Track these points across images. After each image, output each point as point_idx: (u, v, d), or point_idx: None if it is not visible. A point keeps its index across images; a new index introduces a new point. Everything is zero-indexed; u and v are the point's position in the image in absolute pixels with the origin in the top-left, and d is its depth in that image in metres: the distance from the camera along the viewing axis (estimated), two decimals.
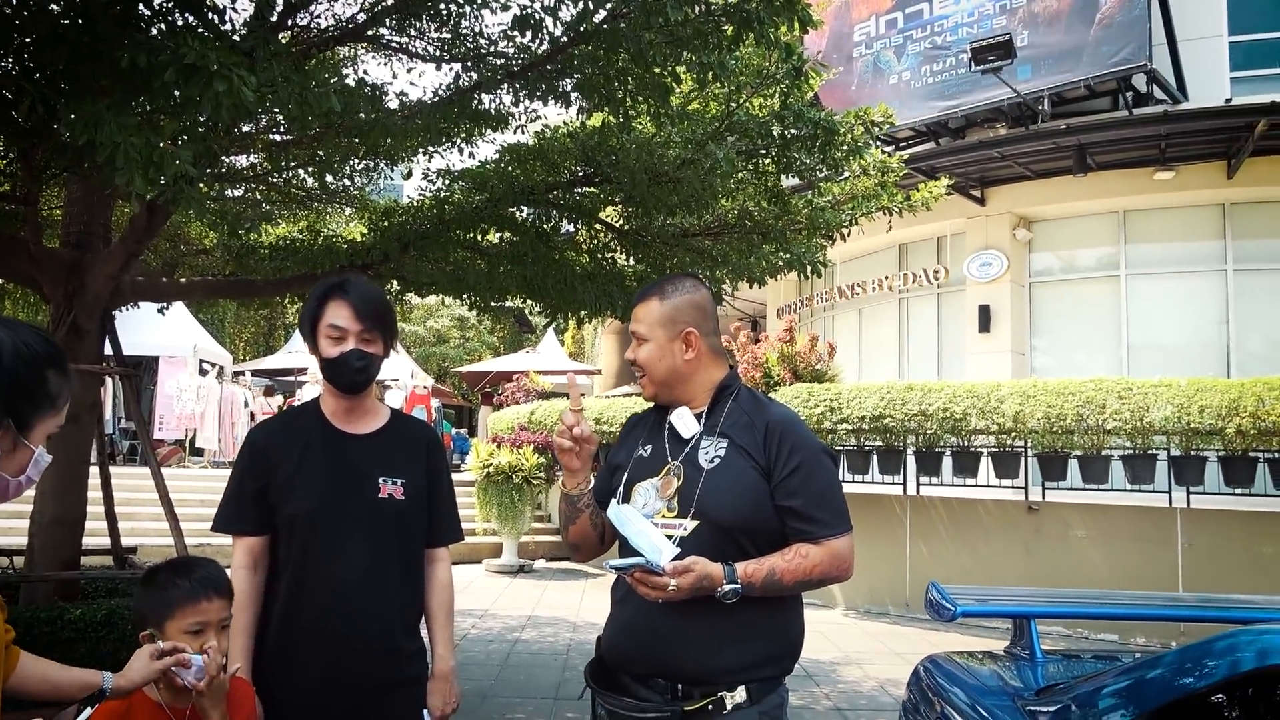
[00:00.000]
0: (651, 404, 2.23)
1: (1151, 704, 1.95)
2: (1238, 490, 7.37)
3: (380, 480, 2.23)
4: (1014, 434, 8.11)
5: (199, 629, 1.98)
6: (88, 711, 1.55)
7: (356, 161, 5.89)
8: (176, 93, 2.74)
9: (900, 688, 3.15)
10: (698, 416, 2.08)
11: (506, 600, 9.38)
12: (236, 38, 3.14)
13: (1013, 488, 8.40)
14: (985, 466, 8.41)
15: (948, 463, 8.57)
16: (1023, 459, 8.21)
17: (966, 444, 8.46)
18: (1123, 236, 11.43)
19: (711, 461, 1.99)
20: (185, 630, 1.97)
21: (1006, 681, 2.68)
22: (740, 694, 1.88)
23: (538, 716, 5.28)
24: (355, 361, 2.20)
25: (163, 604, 1.99)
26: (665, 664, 1.91)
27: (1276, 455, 7.11)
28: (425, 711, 2.27)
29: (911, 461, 8.74)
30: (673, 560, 1.82)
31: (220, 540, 9.51)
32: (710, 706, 1.87)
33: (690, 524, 1.92)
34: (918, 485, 8.76)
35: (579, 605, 9.21)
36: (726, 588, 1.82)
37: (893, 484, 8.87)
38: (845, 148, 5.46)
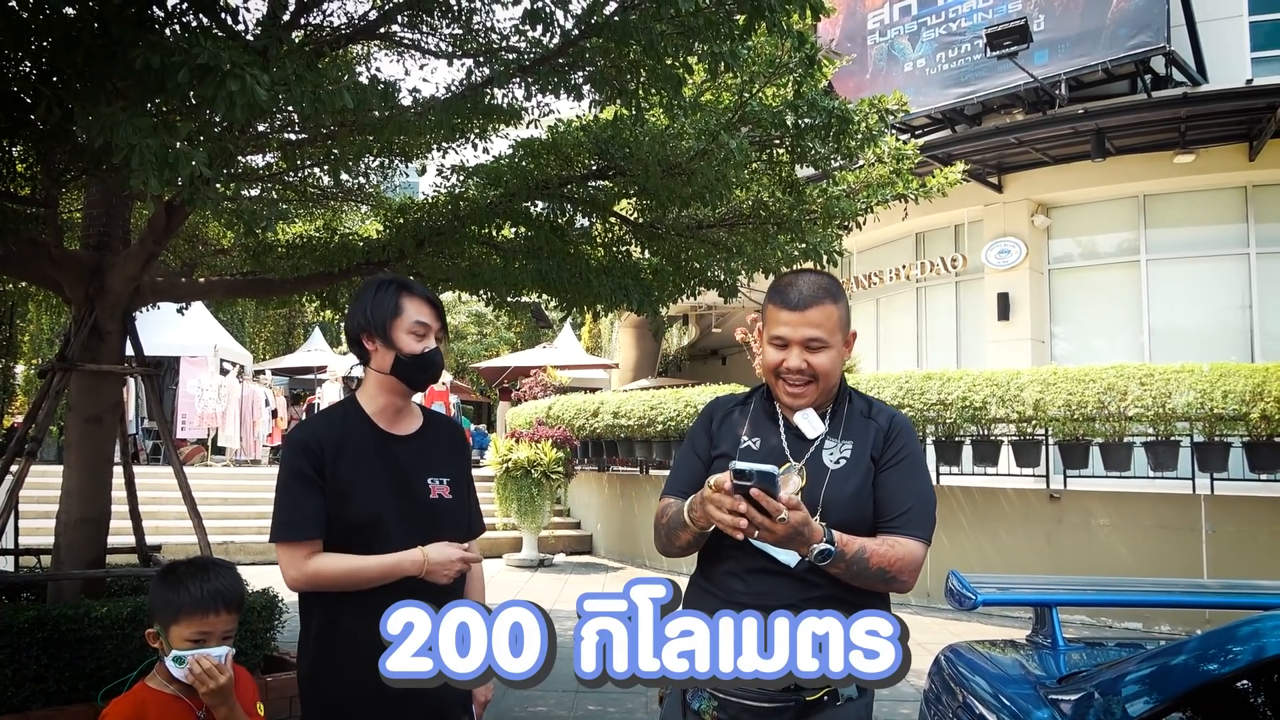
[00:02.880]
0: (735, 394, 2.19)
1: (1175, 690, 1.93)
2: (1263, 476, 7.30)
3: (430, 481, 2.24)
4: (1034, 422, 8.06)
5: (201, 639, 2.01)
6: None
7: (371, 159, 5.91)
8: (191, 93, 2.76)
9: (921, 678, 3.14)
10: (821, 417, 2.05)
11: (527, 594, 9.41)
12: (250, 37, 3.16)
13: (1034, 476, 8.35)
14: (1006, 455, 8.36)
15: (968, 452, 8.52)
16: (1044, 447, 8.16)
17: (986, 433, 8.41)
18: (1143, 221, 11.32)
19: (838, 463, 1.98)
20: (187, 638, 2.00)
21: (1029, 670, 2.66)
22: (853, 688, 1.92)
23: (559, 709, 5.30)
24: (438, 359, 2.25)
25: (172, 607, 2.02)
26: None
27: None
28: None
29: (931, 451, 8.70)
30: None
31: (244, 537, 9.61)
32: (826, 697, 1.91)
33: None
34: (938, 475, 8.72)
35: None
36: (820, 546, 1.80)
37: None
38: (860, 136, 5.43)
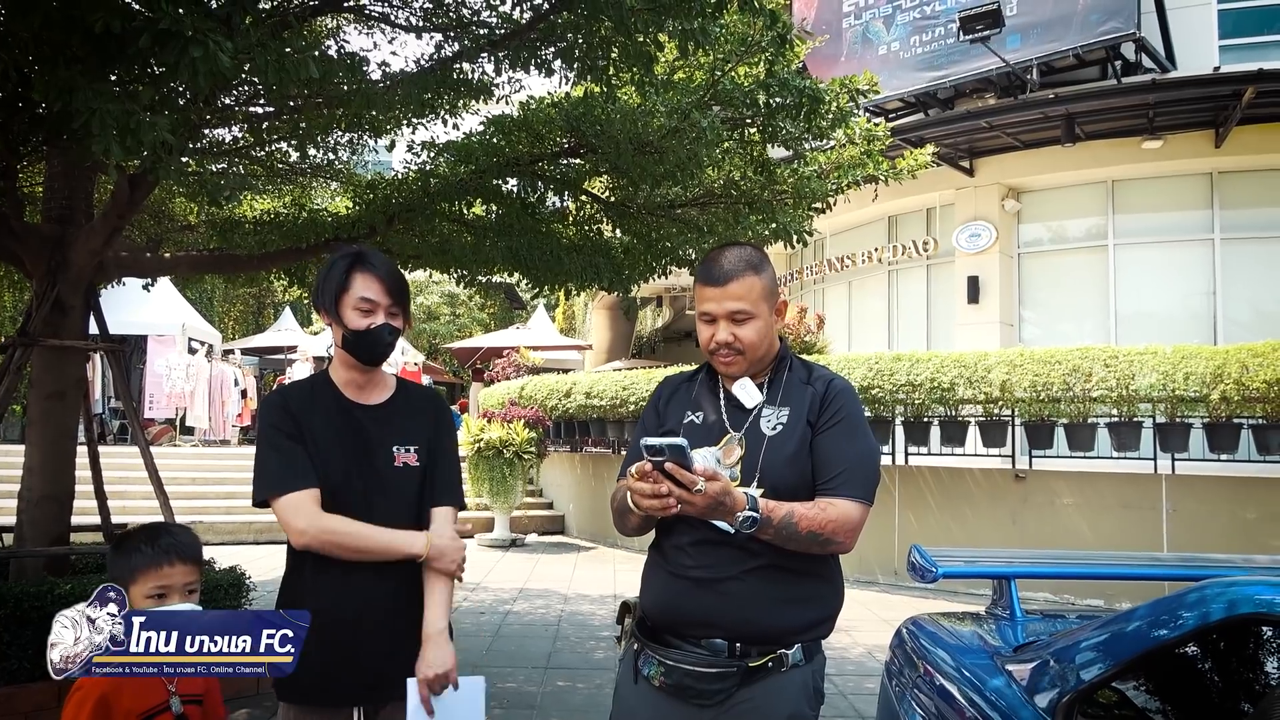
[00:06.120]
0: (683, 371, 2.20)
1: (1126, 655, 1.98)
2: (1222, 456, 7.44)
3: (394, 449, 2.23)
4: (1001, 403, 8.15)
5: (161, 593, 2.00)
6: None
7: (339, 134, 5.85)
8: (152, 60, 2.72)
9: (885, 652, 3.19)
10: (759, 386, 2.08)
11: (498, 573, 9.43)
12: (213, 4, 3.11)
13: (1000, 456, 8.45)
14: (973, 436, 8.46)
15: (935, 432, 8.61)
16: (1010, 428, 8.26)
17: (954, 413, 8.50)
18: (1111, 206, 11.44)
19: (774, 429, 2.00)
20: (147, 595, 2.00)
21: (986, 640, 2.71)
22: (797, 653, 1.96)
23: (529, 685, 5.33)
24: (386, 336, 2.21)
25: (127, 568, 2.01)
26: (730, 624, 1.94)
27: (1260, 421, 7.17)
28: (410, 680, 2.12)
29: (900, 431, 8.78)
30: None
31: (212, 517, 9.53)
32: (770, 664, 1.94)
33: (756, 491, 1.92)
34: (906, 455, 8.81)
35: (570, 578, 9.27)
36: (745, 514, 1.81)
37: (881, 454, 8.90)
38: (831, 116, 5.44)
